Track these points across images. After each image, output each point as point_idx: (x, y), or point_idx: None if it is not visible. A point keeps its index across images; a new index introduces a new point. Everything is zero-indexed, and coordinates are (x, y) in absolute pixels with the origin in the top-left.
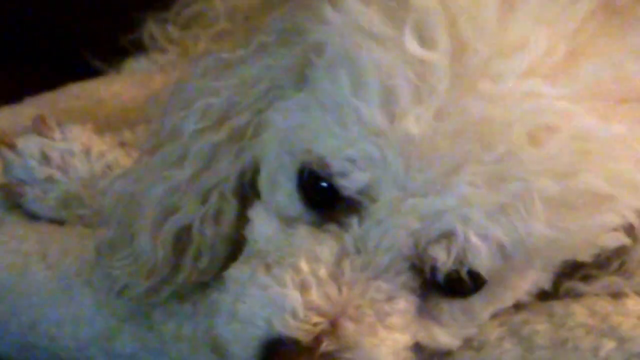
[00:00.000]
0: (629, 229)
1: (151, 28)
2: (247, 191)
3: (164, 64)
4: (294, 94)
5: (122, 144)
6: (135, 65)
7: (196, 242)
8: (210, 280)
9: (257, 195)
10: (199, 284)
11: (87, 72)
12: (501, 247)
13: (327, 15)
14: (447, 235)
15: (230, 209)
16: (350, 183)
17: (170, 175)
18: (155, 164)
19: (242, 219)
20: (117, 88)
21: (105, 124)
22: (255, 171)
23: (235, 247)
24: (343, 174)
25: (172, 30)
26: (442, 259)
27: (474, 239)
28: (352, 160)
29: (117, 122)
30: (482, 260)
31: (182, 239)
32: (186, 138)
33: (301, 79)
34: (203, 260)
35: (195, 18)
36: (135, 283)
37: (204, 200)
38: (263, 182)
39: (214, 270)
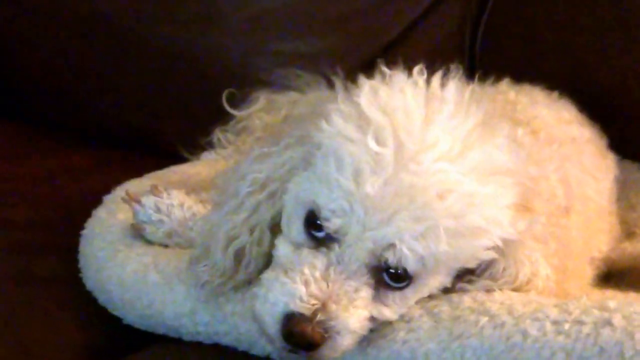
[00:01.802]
0: (497, 249)
1: (218, 134)
2: (276, 228)
3: (225, 156)
4: (303, 173)
5: (202, 201)
6: (209, 156)
7: (247, 257)
8: (254, 280)
9: (280, 230)
10: (247, 282)
11: (181, 159)
12: (421, 258)
13: (323, 127)
14: (392, 246)
15: (267, 238)
16: (331, 225)
17: (231, 218)
18: (223, 212)
19: (273, 244)
20: (198, 169)
21: (192, 190)
22: (280, 216)
23: (269, 260)
24: (327, 219)
25: (230, 136)
26: (391, 259)
27: (405, 251)
28: (333, 211)
29: (198, 188)
30: (410, 264)
31: (239, 255)
32: (241, 197)
33: (308, 163)
34: (251, 268)
35: (244, 129)
36: (211, 281)
37: (251, 232)
38: (284, 223)
39: (256, 274)
